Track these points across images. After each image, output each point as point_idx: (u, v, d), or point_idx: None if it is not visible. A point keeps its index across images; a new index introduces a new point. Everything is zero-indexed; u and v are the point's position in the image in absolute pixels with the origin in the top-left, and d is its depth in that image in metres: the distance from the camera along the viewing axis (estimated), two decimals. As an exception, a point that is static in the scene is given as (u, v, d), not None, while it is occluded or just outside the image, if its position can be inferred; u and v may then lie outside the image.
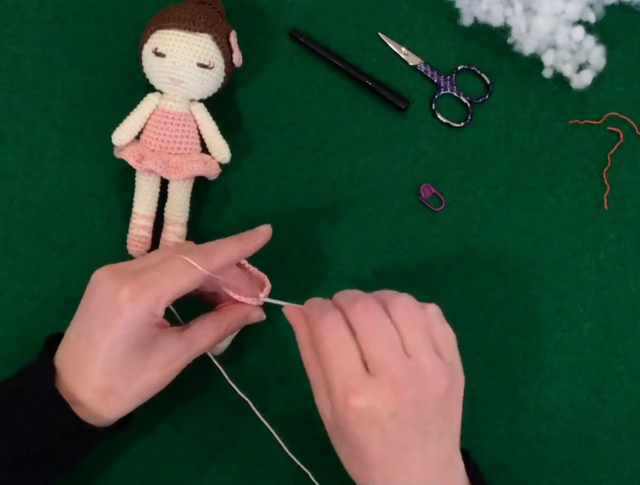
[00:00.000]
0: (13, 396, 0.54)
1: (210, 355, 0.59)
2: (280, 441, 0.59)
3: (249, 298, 0.59)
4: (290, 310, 0.56)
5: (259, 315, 0.61)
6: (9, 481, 0.53)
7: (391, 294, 0.53)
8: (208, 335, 0.57)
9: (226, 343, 0.61)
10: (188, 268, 0.54)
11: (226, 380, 0.59)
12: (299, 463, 0.60)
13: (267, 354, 0.64)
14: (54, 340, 0.56)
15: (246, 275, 0.61)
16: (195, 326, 0.57)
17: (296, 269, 0.65)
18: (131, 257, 0.62)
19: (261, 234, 0.59)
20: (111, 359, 0.53)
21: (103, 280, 0.54)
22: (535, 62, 0.69)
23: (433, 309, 0.53)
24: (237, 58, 0.62)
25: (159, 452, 0.62)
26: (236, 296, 0.59)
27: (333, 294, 0.54)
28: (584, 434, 0.65)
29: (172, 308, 0.59)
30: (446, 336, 0.52)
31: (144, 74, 0.62)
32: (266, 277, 0.61)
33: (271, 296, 0.60)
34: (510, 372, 0.65)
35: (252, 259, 0.60)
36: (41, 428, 0.53)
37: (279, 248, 0.66)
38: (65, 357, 0.54)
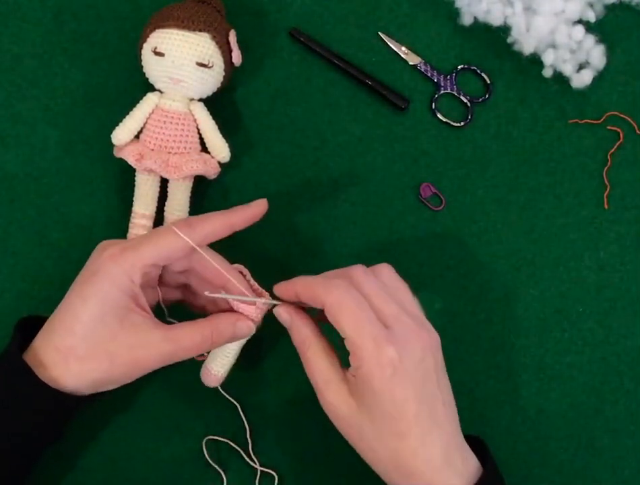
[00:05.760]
0: None
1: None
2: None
3: (243, 305, 0.57)
4: (284, 308, 0.56)
5: (247, 326, 0.56)
6: None
7: (364, 268, 0.55)
8: (189, 336, 0.54)
9: (221, 370, 0.59)
10: (170, 235, 0.54)
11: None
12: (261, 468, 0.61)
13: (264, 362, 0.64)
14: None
15: (245, 284, 0.58)
16: (177, 324, 0.56)
17: (296, 269, 0.65)
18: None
19: (254, 207, 0.57)
20: (79, 317, 0.52)
21: (99, 246, 0.55)
22: (535, 61, 0.68)
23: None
24: (236, 58, 0.62)
25: (159, 451, 0.62)
26: (232, 299, 0.57)
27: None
28: (584, 434, 0.65)
29: (163, 306, 0.59)
30: (413, 301, 0.56)
31: (144, 74, 0.62)
32: (267, 293, 0.58)
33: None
34: (511, 372, 0.65)
35: (252, 258, 0.60)
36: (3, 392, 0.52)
37: (280, 248, 0.66)
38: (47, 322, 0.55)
